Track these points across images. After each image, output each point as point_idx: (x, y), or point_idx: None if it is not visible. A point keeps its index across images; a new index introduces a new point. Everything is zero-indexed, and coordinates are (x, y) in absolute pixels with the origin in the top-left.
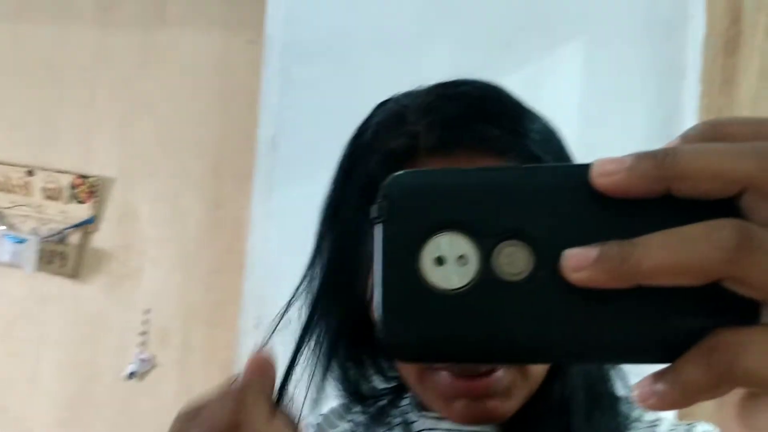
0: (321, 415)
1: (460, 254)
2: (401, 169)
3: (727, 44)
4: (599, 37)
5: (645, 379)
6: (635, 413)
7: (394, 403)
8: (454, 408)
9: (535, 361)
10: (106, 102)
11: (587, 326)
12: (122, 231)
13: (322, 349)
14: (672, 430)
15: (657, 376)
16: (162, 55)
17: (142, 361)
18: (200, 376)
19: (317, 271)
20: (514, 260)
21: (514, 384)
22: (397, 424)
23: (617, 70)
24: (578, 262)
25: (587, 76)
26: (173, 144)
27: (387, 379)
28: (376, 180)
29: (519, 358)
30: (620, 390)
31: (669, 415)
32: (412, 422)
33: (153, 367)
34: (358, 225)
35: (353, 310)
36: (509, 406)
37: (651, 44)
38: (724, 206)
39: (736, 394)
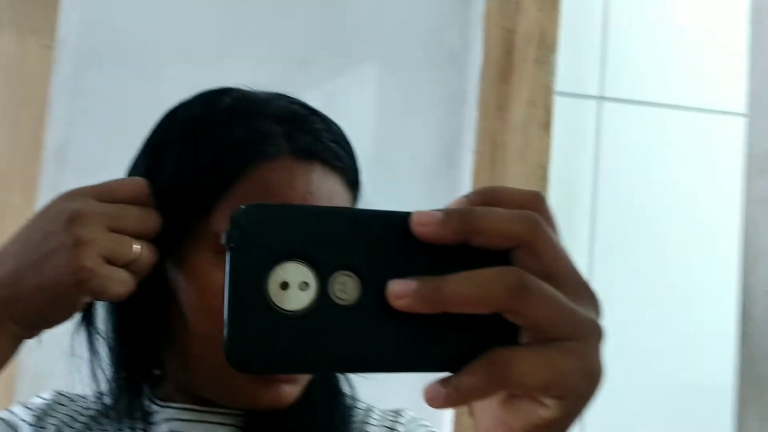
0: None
1: (302, 280)
2: (256, 165)
3: (501, 73)
4: (392, 61)
5: (432, 384)
6: (354, 404)
7: (134, 393)
8: (251, 388)
9: (358, 371)
10: None
11: (400, 343)
12: None
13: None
14: (382, 416)
15: (443, 382)
16: None
17: None
18: None
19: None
20: (346, 288)
21: None
22: (138, 417)
23: (407, 93)
24: (401, 290)
25: (380, 96)
26: None
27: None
28: (220, 173)
29: (345, 369)
30: (344, 387)
31: (376, 407)
32: (153, 412)
33: None
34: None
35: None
36: (296, 391)
37: (438, 70)
38: (503, 256)
39: (496, 396)
